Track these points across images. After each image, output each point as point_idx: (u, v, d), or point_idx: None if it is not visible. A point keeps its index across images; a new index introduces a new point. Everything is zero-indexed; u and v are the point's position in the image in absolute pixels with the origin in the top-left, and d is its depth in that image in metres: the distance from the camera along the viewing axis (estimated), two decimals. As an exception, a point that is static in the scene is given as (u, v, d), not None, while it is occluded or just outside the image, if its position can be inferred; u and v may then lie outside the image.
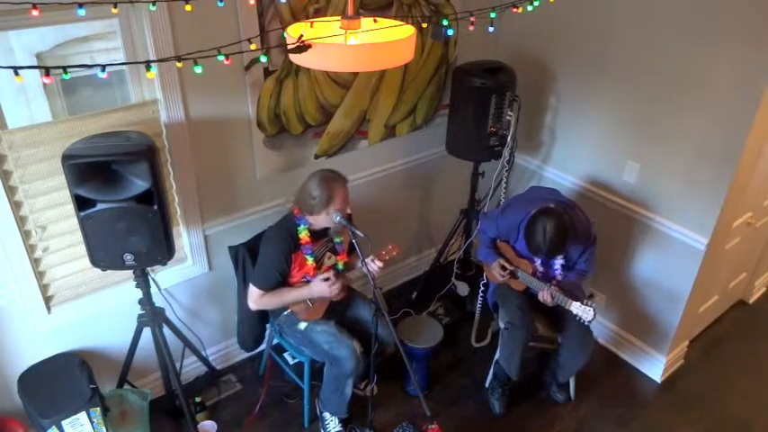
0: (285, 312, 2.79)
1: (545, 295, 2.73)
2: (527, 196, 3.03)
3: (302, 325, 2.75)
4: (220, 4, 1.85)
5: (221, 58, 1.40)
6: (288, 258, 2.62)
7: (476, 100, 3.09)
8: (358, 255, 2.57)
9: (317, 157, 3.13)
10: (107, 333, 2.80)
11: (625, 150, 3.11)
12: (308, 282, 2.67)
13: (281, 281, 2.66)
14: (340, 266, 2.78)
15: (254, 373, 3.30)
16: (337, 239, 2.74)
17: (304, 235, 2.61)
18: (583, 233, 2.79)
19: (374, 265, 2.57)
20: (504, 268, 2.91)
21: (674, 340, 3.26)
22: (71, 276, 2.60)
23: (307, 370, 2.85)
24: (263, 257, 2.65)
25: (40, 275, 2.51)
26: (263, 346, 3.14)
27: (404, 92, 3.33)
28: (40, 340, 2.60)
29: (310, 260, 2.64)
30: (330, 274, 2.66)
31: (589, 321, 2.63)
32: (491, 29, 2.00)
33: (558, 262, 2.82)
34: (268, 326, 3.01)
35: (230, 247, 2.82)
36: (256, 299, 2.66)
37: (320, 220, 2.59)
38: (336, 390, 2.73)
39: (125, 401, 2.76)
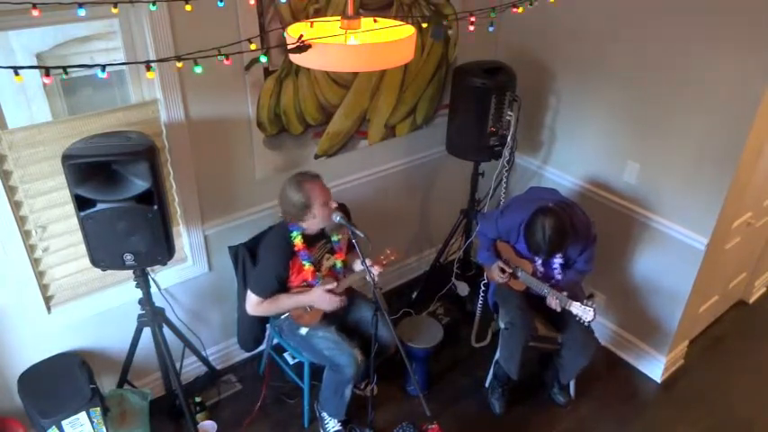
0: (283, 316, 2.79)
1: (552, 302, 2.73)
2: (526, 197, 3.03)
3: (303, 330, 2.74)
4: (220, 4, 1.85)
5: (221, 58, 1.40)
6: (286, 265, 2.62)
7: (476, 100, 3.09)
8: (357, 254, 2.57)
9: (316, 157, 3.13)
10: (107, 333, 2.80)
11: (625, 150, 3.11)
12: (309, 286, 2.67)
13: (280, 288, 2.66)
14: (338, 265, 2.78)
15: (254, 373, 3.30)
16: (335, 238, 2.74)
17: (298, 241, 2.61)
18: (583, 232, 2.79)
19: (373, 270, 2.58)
20: (503, 270, 2.91)
21: (674, 340, 3.26)
22: (71, 276, 2.60)
23: (307, 370, 2.85)
24: (262, 264, 2.66)
25: (40, 275, 2.51)
26: (263, 346, 3.15)
27: (404, 92, 3.33)
28: (40, 340, 2.60)
29: (307, 265, 2.64)
30: (334, 285, 2.66)
31: (589, 321, 2.63)
32: (491, 29, 2.00)
33: (557, 261, 2.82)
34: (268, 326, 3.01)
35: (230, 247, 2.82)
36: (255, 306, 2.66)
37: (312, 224, 2.59)
38: (336, 393, 2.73)
39: (125, 401, 2.76)
